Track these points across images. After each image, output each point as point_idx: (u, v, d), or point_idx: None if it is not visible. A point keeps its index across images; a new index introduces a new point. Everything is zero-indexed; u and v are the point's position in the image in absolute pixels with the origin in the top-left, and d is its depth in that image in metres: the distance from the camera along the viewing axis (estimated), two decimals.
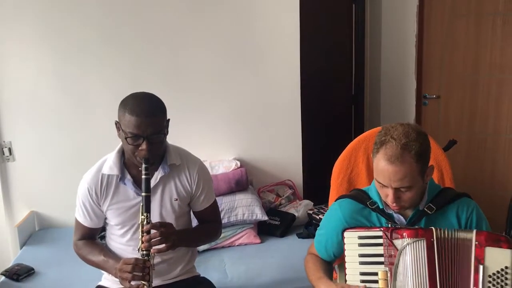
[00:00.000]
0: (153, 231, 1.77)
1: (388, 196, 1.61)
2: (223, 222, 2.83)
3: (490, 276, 1.53)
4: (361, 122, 4.34)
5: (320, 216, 2.96)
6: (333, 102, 4.29)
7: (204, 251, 2.79)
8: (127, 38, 3.12)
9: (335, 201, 1.85)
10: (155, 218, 1.89)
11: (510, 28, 3.33)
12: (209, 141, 3.31)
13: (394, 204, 1.62)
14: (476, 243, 1.55)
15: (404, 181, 1.56)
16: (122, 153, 1.92)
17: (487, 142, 3.57)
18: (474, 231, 1.58)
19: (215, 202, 2.11)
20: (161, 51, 3.17)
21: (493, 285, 1.53)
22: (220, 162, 3.24)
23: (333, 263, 1.89)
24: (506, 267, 1.52)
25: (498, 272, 1.53)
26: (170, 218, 1.94)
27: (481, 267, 1.53)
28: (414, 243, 1.57)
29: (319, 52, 4.09)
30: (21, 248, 2.93)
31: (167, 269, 2.00)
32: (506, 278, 1.52)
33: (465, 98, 3.61)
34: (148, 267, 1.75)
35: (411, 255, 1.57)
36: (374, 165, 1.62)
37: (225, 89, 3.28)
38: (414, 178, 1.57)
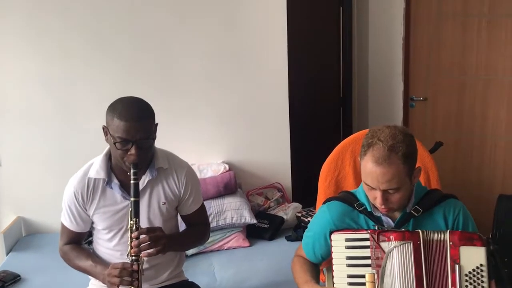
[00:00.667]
0: (142, 236, 1.76)
1: (376, 198, 1.62)
2: (211, 226, 2.82)
3: (466, 275, 1.55)
4: (349, 124, 4.35)
5: (309, 218, 2.96)
6: (321, 104, 4.29)
7: (192, 255, 2.78)
8: (115, 42, 3.10)
9: (324, 203, 1.85)
10: (143, 221, 1.88)
11: (495, 29, 3.36)
12: (198, 145, 3.30)
13: (383, 206, 1.62)
14: (451, 243, 1.57)
15: (392, 183, 1.56)
16: (109, 157, 1.91)
17: (473, 144, 3.59)
18: (448, 231, 1.60)
19: (203, 205, 2.11)
20: (149, 55, 3.16)
21: (470, 283, 1.55)
22: (209, 165, 3.23)
23: (320, 266, 1.89)
24: (481, 265, 1.55)
25: (474, 270, 1.55)
26: (157, 222, 1.93)
27: (457, 266, 1.55)
28: (401, 246, 1.58)
29: (307, 55, 4.10)
30: (7, 254, 2.90)
31: (155, 274, 1.99)
32: (482, 276, 1.54)
33: (452, 100, 3.64)
34: (137, 271, 1.74)
35: (398, 258, 1.57)
36: (362, 168, 1.62)
37: (214, 92, 3.28)
38: (402, 180, 1.58)
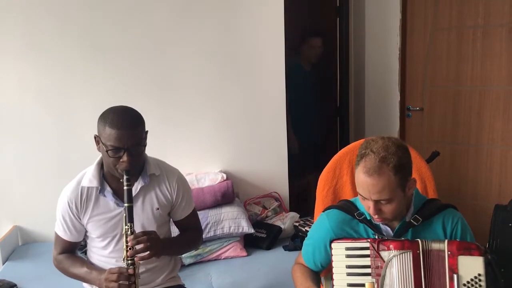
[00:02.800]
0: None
1: (369, 208, 1.63)
2: (209, 235, 2.84)
3: (464, 285, 1.55)
4: (346, 134, 4.37)
5: (307, 228, 2.96)
6: (318, 114, 4.31)
7: (190, 264, 2.78)
8: (111, 52, 3.11)
9: (323, 211, 1.86)
10: (137, 227, 1.91)
11: (490, 40, 3.39)
12: (195, 154, 3.30)
13: (376, 216, 1.63)
14: (449, 253, 1.58)
15: (382, 194, 1.57)
16: (101, 165, 1.94)
17: (469, 153, 3.61)
18: (446, 241, 1.60)
19: (194, 210, 2.14)
20: (146, 64, 3.17)
21: None
22: (206, 174, 3.23)
23: (320, 273, 1.89)
24: (479, 274, 1.55)
25: (472, 280, 1.55)
26: (152, 227, 1.96)
27: (455, 276, 1.55)
28: (401, 255, 1.58)
29: (305, 65, 4.12)
30: (3, 263, 2.89)
31: (151, 278, 2.00)
32: (480, 286, 1.55)
33: (448, 110, 3.66)
34: (134, 275, 1.76)
35: (398, 267, 1.58)
36: (356, 178, 1.64)
37: (211, 102, 3.29)
38: (393, 191, 1.58)
